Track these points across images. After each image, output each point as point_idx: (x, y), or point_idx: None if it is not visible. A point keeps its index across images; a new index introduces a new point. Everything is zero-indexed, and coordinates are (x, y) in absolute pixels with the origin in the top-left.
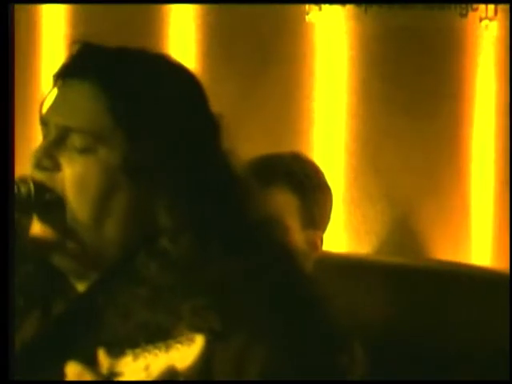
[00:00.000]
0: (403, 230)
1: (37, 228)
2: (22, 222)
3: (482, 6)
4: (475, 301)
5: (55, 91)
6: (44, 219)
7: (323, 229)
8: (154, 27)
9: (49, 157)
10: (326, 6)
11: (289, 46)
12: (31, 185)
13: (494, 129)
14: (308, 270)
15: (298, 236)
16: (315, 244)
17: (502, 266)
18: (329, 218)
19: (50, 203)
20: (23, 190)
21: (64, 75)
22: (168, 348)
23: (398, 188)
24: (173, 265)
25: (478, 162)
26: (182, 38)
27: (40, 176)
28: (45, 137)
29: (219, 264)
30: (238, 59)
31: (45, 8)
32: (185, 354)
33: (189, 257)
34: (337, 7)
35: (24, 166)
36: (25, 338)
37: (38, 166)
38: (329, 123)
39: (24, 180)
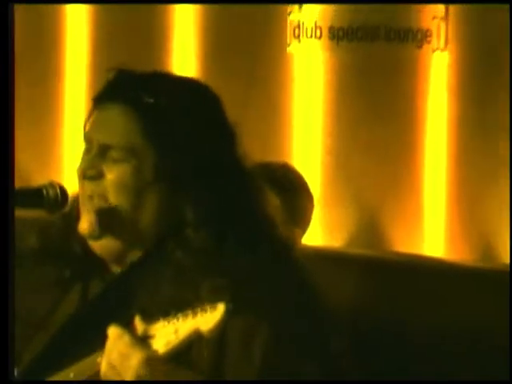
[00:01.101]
0: (370, 226)
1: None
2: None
3: (434, 39)
4: (433, 288)
5: (96, 113)
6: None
7: (303, 227)
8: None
9: (93, 168)
10: (304, 39)
11: (272, 73)
12: (57, 188)
13: (446, 138)
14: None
15: (284, 232)
16: (294, 239)
17: (452, 257)
18: (309, 218)
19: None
20: (51, 192)
21: (102, 100)
22: (195, 314)
23: (364, 191)
24: (195, 251)
25: (431, 167)
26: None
27: (88, 184)
28: (88, 150)
29: (234, 252)
30: (231, 82)
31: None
32: (208, 318)
33: (208, 245)
34: (314, 40)
35: (23, 166)
36: (68, 311)
37: (85, 176)
38: (307, 138)
39: (52, 185)
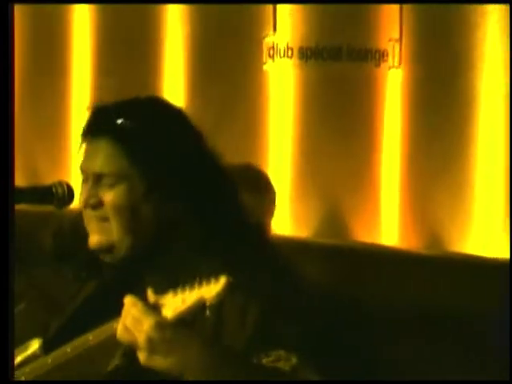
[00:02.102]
0: (333, 218)
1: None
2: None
3: (390, 58)
4: (388, 272)
5: (85, 146)
6: (95, 231)
7: (270, 217)
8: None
9: (93, 197)
10: (278, 58)
11: (250, 88)
12: (65, 187)
13: (400, 141)
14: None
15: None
16: (265, 227)
17: (405, 245)
18: (273, 210)
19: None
20: (60, 190)
21: (87, 134)
22: (200, 285)
23: (328, 188)
24: (189, 240)
25: (387, 166)
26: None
27: (90, 211)
28: (85, 180)
29: (221, 239)
30: (215, 95)
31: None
32: (212, 288)
33: (199, 235)
34: (286, 59)
35: (34, 166)
36: (88, 292)
37: (87, 205)
38: (280, 143)
39: (61, 183)
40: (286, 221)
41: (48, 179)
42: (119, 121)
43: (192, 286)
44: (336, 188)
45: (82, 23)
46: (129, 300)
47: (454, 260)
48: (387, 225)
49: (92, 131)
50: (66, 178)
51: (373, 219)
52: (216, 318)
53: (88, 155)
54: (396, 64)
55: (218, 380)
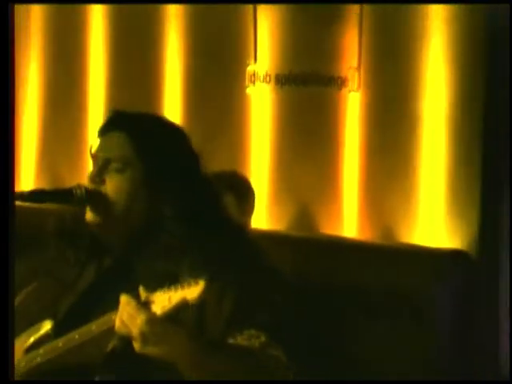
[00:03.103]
0: (303, 214)
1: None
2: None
3: (350, 83)
4: (349, 259)
5: (99, 140)
6: (94, 211)
7: (250, 215)
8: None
9: (99, 176)
10: (258, 83)
11: (235, 108)
12: (83, 189)
13: (358, 152)
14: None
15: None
16: (245, 224)
17: (364, 237)
18: (253, 209)
19: (96, 201)
20: (79, 192)
21: (104, 131)
22: (183, 287)
23: (300, 190)
24: (174, 236)
25: (348, 173)
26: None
27: (92, 186)
28: (94, 164)
29: (203, 236)
30: (204, 114)
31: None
32: (193, 290)
33: (184, 232)
34: (265, 84)
35: (56, 170)
36: (88, 279)
37: (93, 180)
38: (260, 154)
39: (79, 186)
40: (263, 217)
41: (69, 182)
42: (132, 123)
43: (176, 287)
44: (306, 190)
45: (97, 43)
46: (124, 298)
47: (404, 249)
48: (348, 219)
49: (106, 128)
50: (83, 181)
51: (336, 215)
52: (198, 310)
53: (100, 146)
54: (355, 88)
55: (219, 380)
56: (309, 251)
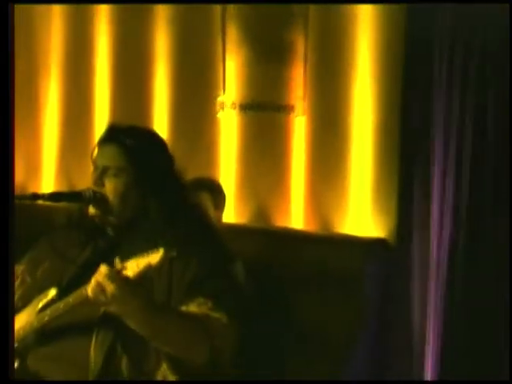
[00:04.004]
0: (261, 210)
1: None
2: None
3: (297, 109)
4: (297, 246)
5: (98, 149)
6: (97, 208)
7: (222, 211)
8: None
9: (99, 180)
10: (227, 109)
11: (208, 130)
12: (91, 192)
13: (304, 161)
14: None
15: (212, 214)
16: (219, 218)
17: (309, 228)
18: (224, 206)
19: (99, 200)
20: (87, 194)
21: (102, 142)
22: (148, 255)
23: (258, 191)
24: (156, 223)
25: (296, 177)
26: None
27: (95, 188)
28: (95, 170)
29: (178, 225)
30: (184, 134)
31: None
32: (155, 256)
33: (163, 220)
34: (232, 110)
35: (69, 175)
36: (86, 256)
37: (95, 184)
38: (228, 164)
39: (88, 190)
40: (231, 213)
41: (79, 186)
42: (124, 137)
43: (143, 255)
44: (263, 193)
45: (102, 60)
46: (102, 268)
47: (338, 237)
48: (295, 214)
49: (105, 140)
50: (90, 185)
51: (286, 211)
52: (166, 282)
53: (100, 154)
54: (301, 114)
55: (219, 380)
56: (264, 239)
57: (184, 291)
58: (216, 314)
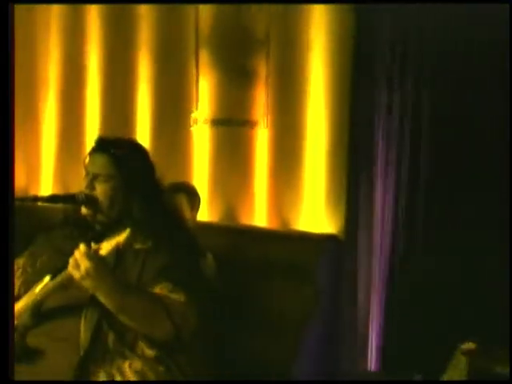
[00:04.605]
0: (229, 210)
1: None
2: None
3: (260, 123)
4: (260, 239)
5: (89, 158)
6: (88, 208)
7: (197, 211)
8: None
9: (91, 184)
10: (199, 124)
11: (183, 141)
12: (83, 195)
13: (267, 168)
14: (191, 227)
15: (188, 214)
16: (194, 218)
17: (270, 226)
18: (199, 207)
19: (90, 201)
20: (80, 196)
21: (93, 151)
22: (118, 235)
23: (227, 194)
24: (137, 222)
25: (259, 181)
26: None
27: (87, 191)
28: (86, 176)
29: (156, 224)
30: (163, 145)
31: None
32: (122, 236)
33: (143, 220)
34: (204, 125)
35: (64, 178)
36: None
37: (87, 187)
38: (200, 172)
39: (80, 193)
40: (204, 213)
41: (73, 189)
42: (112, 147)
43: (114, 237)
44: (231, 195)
45: (93, 79)
46: (81, 247)
47: (296, 234)
48: (259, 214)
49: (95, 150)
50: (82, 188)
51: (251, 211)
52: (139, 266)
53: (91, 162)
54: (263, 127)
55: (219, 380)
56: (232, 235)
57: (152, 276)
58: (175, 295)
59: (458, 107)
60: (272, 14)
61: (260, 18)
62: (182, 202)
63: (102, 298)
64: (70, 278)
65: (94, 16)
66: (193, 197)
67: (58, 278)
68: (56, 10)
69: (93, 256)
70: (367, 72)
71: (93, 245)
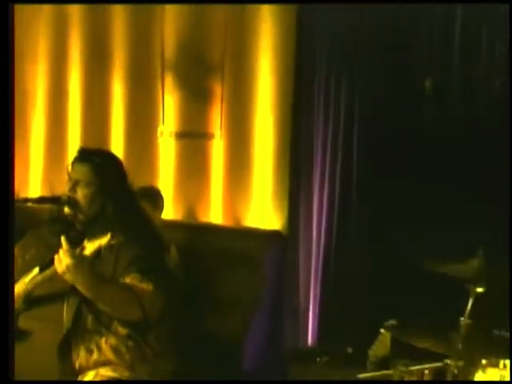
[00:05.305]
0: (190, 209)
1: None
2: (63, 210)
3: (216, 135)
4: (214, 235)
5: (72, 166)
6: (70, 209)
7: (161, 211)
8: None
9: (73, 188)
10: (165, 136)
11: (150, 152)
12: (66, 197)
13: (222, 173)
14: (157, 224)
15: (153, 214)
16: (159, 216)
17: (224, 223)
18: (163, 208)
19: (72, 203)
20: (64, 198)
21: (75, 160)
22: (99, 238)
23: (188, 196)
24: (111, 220)
25: (214, 184)
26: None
27: (70, 194)
28: (69, 180)
29: (128, 221)
30: (134, 154)
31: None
32: (104, 239)
33: (116, 218)
34: (169, 138)
35: (51, 182)
36: (60, 244)
37: (70, 191)
38: (167, 177)
39: (64, 195)
40: (169, 212)
41: (58, 192)
42: (92, 157)
43: (97, 239)
44: (191, 197)
45: (74, 96)
46: (64, 245)
47: (247, 229)
48: (214, 212)
49: (77, 159)
50: (65, 191)
51: (207, 210)
52: (114, 258)
53: (73, 170)
54: (219, 138)
55: (221, 380)
56: (192, 230)
57: (124, 267)
58: (144, 285)
59: (386, 112)
60: (226, 45)
61: (216, 46)
62: (148, 203)
63: (80, 289)
64: (56, 272)
65: (75, 41)
66: (158, 199)
67: (47, 272)
68: (43, 33)
69: (73, 254)
70: (306, 91)
71: (84, 243)
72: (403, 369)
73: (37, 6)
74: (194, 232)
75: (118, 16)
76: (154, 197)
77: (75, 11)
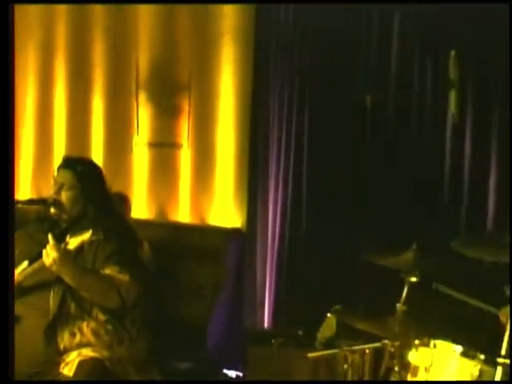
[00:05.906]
0: (161, 209)
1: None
2: (49, 211)
3: (184, 145)
4: (183, 232)
5: (58, 172)
6: (56, 209)
7: (130, 212)
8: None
9: (58, 191)
10: (139, 145)
11: (127, 159)
12: (52, 199)
13: (189, 177)
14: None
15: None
16: (128, 216)
17: (192, 221)
18: (131, 210)
19: (57, 204)
20: (50, 200)
21: (60, 167)
22: (82, 234)
23: (159, 198)
24: (92, 220)
25: (183, 187)
26: None
27: (55, 196)
28: (55, 184)
29: (106, 220)
30: (113, 163)
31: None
32: (86, 235)
33: (96, 218)
34: (143, 146)
35: (38, 184)
36: (46, 241)
37: (55, 193)
38: (140, 182)
39: (50, 197)
40: (143, 211)
41: (46, 194)
42: (75, 164)
43: (80, 235)
44: (162, 197)
45: (59, 109)
46: (50, 240)
47: (211, 227)
48: (182, 212)
49: (62, 166)
50: (51, 193)
51: (176, 209)
52: (94, 252)
53: (59, 175)
54: (187, 148)
55: (223, 380)
56: (163, 228)
57: (103, 260)
58: (121, 275)
59: (333, 124)
60: (192, 66)
61: (183, 68)
62: (118, 206)
63: (65, 279)
64: (43, 265)
65: (61, 62)
66: (124, 202)
67: (35, 265)
68: (31, 56)
69: (58, 248)
70: (263, 106)
71: (67, 239)
72: (347, 348)
73: (27, 29)
74: (165, 229)
75: (98, 41)
76: (122, 201)
77: (61, 34)
